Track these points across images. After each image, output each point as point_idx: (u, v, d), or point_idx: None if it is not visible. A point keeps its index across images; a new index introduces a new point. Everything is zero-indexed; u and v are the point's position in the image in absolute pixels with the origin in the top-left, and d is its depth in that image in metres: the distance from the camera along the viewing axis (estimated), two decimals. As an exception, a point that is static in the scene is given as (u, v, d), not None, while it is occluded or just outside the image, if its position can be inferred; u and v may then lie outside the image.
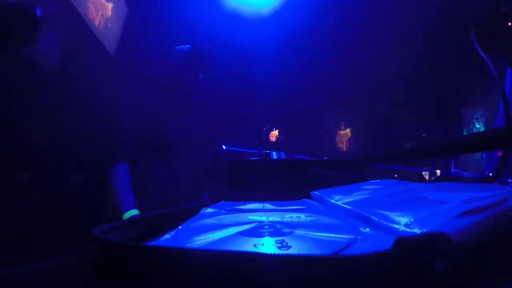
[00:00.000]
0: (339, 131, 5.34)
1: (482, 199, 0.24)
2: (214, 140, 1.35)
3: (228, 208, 0.44)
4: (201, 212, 0.41)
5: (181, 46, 1.20)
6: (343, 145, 5.44)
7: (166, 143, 1.07)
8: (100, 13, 1.80)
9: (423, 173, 4.64)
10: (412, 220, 0.25)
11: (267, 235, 0.27)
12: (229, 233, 0.28)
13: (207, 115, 1.33)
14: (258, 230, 0.29)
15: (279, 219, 0.33)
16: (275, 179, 0.71)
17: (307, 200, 0.52)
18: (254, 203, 0.48)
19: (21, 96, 1.06)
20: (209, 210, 0.43)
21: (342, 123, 5.32)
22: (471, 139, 0.49)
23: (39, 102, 1.14)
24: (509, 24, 0.54)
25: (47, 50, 1.32)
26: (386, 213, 0.28)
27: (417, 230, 0.23)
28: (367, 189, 0.45)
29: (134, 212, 0.99)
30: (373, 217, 0.29)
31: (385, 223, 0.27)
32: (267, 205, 0.45)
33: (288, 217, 0.34)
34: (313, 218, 0.34)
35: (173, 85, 1.14)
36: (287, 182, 0.70)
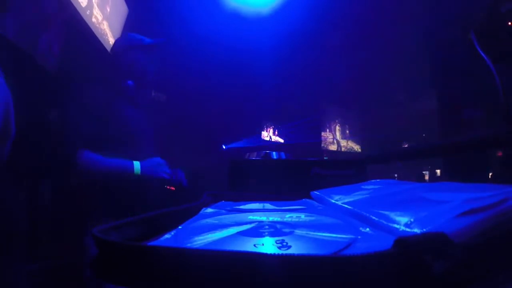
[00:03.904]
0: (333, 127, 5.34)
1: (482, 199, 0.24)
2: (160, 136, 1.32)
3: (228, 208, 0.44)
4: (201, 212, 0.41)
5: (134, 35, 1.17)
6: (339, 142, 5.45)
7: (123, 137, 1.05)
8: (100, 13, 1.80)
9: (423, 172, 4.64)
10: (412, 220, 0.25)
11: (267, 235, 0.27)
12: (229, 233, 0.28)
13: (154, 109, 1.30)
14: (258, 230, 0.29)
15: (279, 219, 0.33)
16: (275, 179, 0.71)
17: (307, 200, 0.52)
18: (254, 203, 0.48)
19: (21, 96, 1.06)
20: (209, 210, 0.43)
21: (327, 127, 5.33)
22: (471, 139, 0.49)
23: (39, 102, 1.14)
24: (509, 24, 0.54)
25: (47, 50, 1.32)
26: (386, 213, 0.28)
27: (417, 230, 0.23)
28: (367, 189, 0.44)
29: (137, 163, 1.00)
30: (373, 217, 0.29)
31: (385, 223, 0.27)
32: (267, 205, 0.45)
33: (288, 217, 0.34)
34: (313, 218, 0.34)
35: (122, 78, 1.11)
36: (287, 182, 0.70)
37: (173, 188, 1.12)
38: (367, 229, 0.29)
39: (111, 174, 0.97)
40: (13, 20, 1.08)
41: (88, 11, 1.63)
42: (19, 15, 1.12)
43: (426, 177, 4.62)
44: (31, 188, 1.12)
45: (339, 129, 5.54)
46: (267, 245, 0.24)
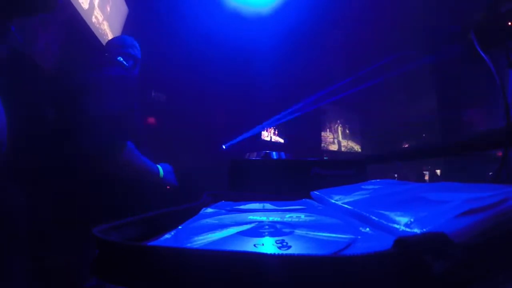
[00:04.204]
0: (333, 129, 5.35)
1: (482, 199, 0.24)
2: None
3: (228, 208, 0.44)
4: (201, 212, 0.41)
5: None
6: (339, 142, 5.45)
7: (135, 135, 1.04)
8: (100, 13, 1.80)
9: (423, 172, 4.64)
10: (412, 220, 0.25)
11: (267, 235, 0.27)
12: (229, 233, 0.28)
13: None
14: (258, 230, 0.29)
15: (279, 219, 0.33)
16: (275, 179, 0.71)
17: (307, 200, 0.52)
18: (254, 203, 0.48)
19: (19, 95, 1.06)
20: (209, 210, 0.43)
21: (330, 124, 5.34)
22: (471, 139, 0.49)
23: (38, 102, 1.14)
24: (509, 24, 0.54)
25: (44, 50, 1.32)
26: (386, 213, 0.28)
27: (417, 230, 0.23)
28: (367, 189, 0.44)
29: (159, 167, 1.03)
30: (373, 217, 0.29)
31: (385, 223, 0.27)
32: (267, 205, 0.45)
33: (288, 217, 0.34)
34: (313, 218, 0.34)
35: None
36: (287, 182, 0.70)
37: (168, 187, 1.13)
38: (367, 229, 0.29)
39: (143, 171, 0.98)
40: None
41: (89, 11, 1.63)
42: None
43: (426, 177, 4.62)
44: (31, 188, 1.12)
45: (340, 129, 5.54)
46: (267, 245, 0.24)
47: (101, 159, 0.93)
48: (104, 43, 1.81)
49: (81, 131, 0.93)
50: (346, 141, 5.59)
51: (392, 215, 0.27)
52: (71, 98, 0.99)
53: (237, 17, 2.91)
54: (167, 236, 0.30)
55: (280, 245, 0.24)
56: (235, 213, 0.39)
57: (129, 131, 0.97)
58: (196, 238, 0.27)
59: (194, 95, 3.18)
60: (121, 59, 1.14)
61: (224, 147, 3.65)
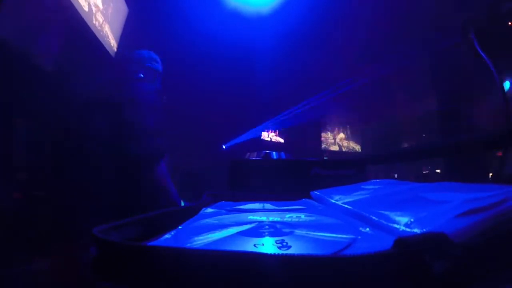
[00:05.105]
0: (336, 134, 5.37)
1: (482, 199, 0.24)
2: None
3: (228, 208, 0.44)
4: (201, 212, 0.41)
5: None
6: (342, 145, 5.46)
7: None
8: (101, 15, 1.80)
9: (423, 172, 4.64)
10: (412, 220, 0.25)
11: (267, 235, 0.27)
12: (229, 233, 0.28)
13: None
14: (258, 230, 0.29)
15: (279, 219, 0.33)
16: (275, 179, 0.71)
17: (307, 200, 0.52)
18: (254, 203, 0.48)
19: (20, 96, 1.06)
20: (209, 210, 0.43)
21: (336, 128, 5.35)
22: (471, 139, 0.49)
23: (39, 102, 1.14)
24: (509, 24, 0.54)
25: (45, 51, 1.32)
26: (386, 213, 0.28)
27: (417, 230, 0.23)
28: (367, 189, 0.44)
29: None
30: (373, 217, 0.29)
31: (385, 223, 0.27)
32: (267, 205, 0.45)
33: (288, 217, 0.34)
34: (313, 218, 0.34)
35: None
36: (287, 182, 0.70)
37: None
38: (367, 229, 0.29)
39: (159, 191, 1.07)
40: (9, 21, 1.07)
41: (90, 13, 1.63)
42: (16, 15, 1.12)
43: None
44: (30, 188, 1.12)
45: (340, 130, 5.54)
46: (267, 245, 0.24)
47: (147, 165, 1.05)
48: (105, 44, 1.81)
49: (133, 139, 1.05)
50: (346, 141, 5.59)
51: (392, 215, 0.27)
52: (118, 109, 1.08)
53: (237, 17, 2.91)
54: (167, 236, 0.30)
55: (280, 245, 0.24)
56: (235, 213, 0.39)
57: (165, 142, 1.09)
58: (196, 238, 0.27)
59: (194, 95, 3.18)
60: (142, 75, 1.22)
61: (224, 147, 3.65)
